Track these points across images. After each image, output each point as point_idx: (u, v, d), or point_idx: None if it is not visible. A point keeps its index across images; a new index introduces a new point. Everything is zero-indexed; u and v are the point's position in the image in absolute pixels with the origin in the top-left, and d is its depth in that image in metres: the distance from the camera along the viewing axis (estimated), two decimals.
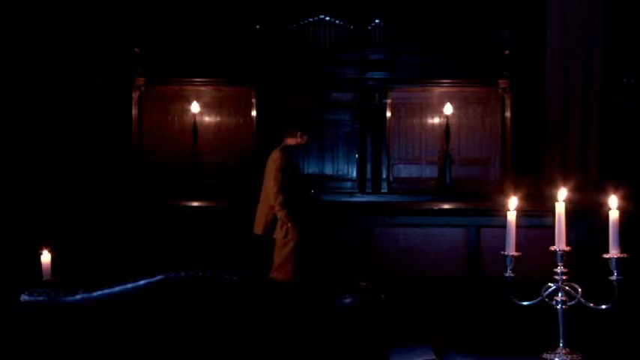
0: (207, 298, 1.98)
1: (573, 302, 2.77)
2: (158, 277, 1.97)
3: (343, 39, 10.08)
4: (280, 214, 5.57)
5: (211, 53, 9.81)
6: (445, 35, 9.87)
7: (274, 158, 5.68)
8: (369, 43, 9.99)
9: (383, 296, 2.05)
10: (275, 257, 5.71)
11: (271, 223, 5.69)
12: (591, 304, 2.74)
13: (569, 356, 2.71)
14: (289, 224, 5.54)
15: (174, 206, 7.79)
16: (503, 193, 5.87)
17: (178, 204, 7.91)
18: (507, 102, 9.87)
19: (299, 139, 5.81)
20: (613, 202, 2.71)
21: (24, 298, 2.01)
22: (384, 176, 9.95)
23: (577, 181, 7.20)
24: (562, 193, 2.81)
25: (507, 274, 2.88)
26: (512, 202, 2.98)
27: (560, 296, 2.77)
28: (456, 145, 9.84)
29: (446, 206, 7.77)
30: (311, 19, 10.04)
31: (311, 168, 10.10)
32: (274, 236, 5.68)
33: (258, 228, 5.80)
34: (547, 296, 2.81)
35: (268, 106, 9.91)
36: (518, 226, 2.95)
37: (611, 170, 7.96)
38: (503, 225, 2.94)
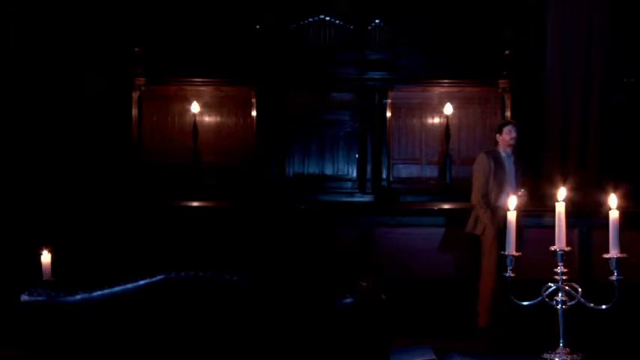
0: (207, 298, 1.98)
1: (573, 302, 2.77)
2: (158, 277, 1.97)
3: (343, 39, 10.08)
4: (478, 212, 5.94)
5: (211, 53, 9.81)
6: (445, 35, 9.86)
7: (476, 160, 6.10)
8: (369, 43, 9.99)
9: (383, 296, 2.05)
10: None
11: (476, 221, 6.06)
12: (591, 304, 2.74)
13: (569, 356, 2.71)
14: (485, 222, 5.89)
15: (174, 206, 7.79)
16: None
17: (178, 204, 7.91)
18: (507, 102, 9.87)
19: (501, 139, 6.04)
20: (613, 201, 2.71)
21: (24, 298, 2.00)
22: (384, 176, 9.95)
23: (577, 181, 7.22)
24: (562, 193, 2.81)
25: (507, 274, 2.88)
26: (512, 202, 2.98)
27: (560, 296, 2.77)
28: (456, 145, 9.84)
29: (446, 206, 7.77)
30: (311, 19, 10.04)
31: (311, 168, 10.09)
32: (474, 232, 6.04)
33: (468, 226, 6.14)
34: (547, 296, 2.81)
35: (268, 106, 9.91)
36: (518, 226, 2.95)
37: (611, 170, 7.95)
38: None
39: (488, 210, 5.89)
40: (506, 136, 5.99)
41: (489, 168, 5.95)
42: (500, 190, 5.89)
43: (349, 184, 10.04)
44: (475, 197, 5.99)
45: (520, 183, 5.98)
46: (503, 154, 6.01)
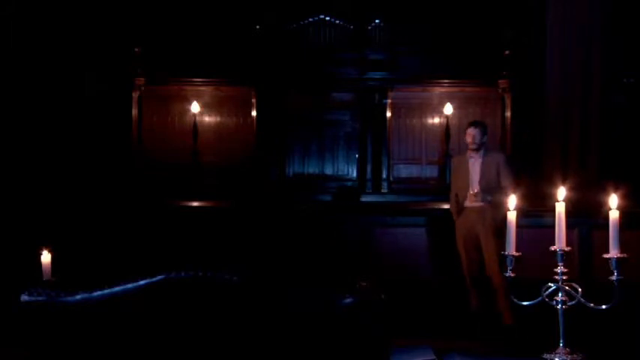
0: (207, 298, 1.98)
1: (573, 302, 2.77)
2: (158, 277, 1.97)
3: (343, 39, 10.08)
4: None
5: (211, 53, 9.81)
6: (445, 35, 9.86)
7: None
8: (369, 43, 9.99)
9: (383, 296, 2.05)
10: None
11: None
12: (591, 304, 2.74)
13: (569, 356, 2.71)
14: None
15: (174, 206, 7.80)
16: None
17: (178, 204, 7.91)
18: (507, 102, 9.87)
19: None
20: (613, 201, 2.71)
21: (24, 298, 2.00)
22: (384, 176, 9.95)
23: (577, 181, 7.22)
24: (562, 193, 2.81)
25: (507, 274, 2.88)
26: (512, 202, 2.97)
27: (560, 296, 2.77)
28: (456, 145, 9.83)
29: (446, 206, 7.76)
30: (311, 19, 10.05)
31: (311, 168, 10.10)
32: None
33: None
34: (547, 296, 2.81)
35: (268, 106, 9.91)
36: (518, 226, 2.95)
37: (611, 170, 7.95)
38: None
39: (453, 206, 6.00)
40: (466, 138, 6.10)
41: (452, 170, 6.22)
42: (465, 190, 5.94)
43: (349, 184, 10.04)
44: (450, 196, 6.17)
45: (486, 183, 5.89)
46: (467, 155, 6.06)
